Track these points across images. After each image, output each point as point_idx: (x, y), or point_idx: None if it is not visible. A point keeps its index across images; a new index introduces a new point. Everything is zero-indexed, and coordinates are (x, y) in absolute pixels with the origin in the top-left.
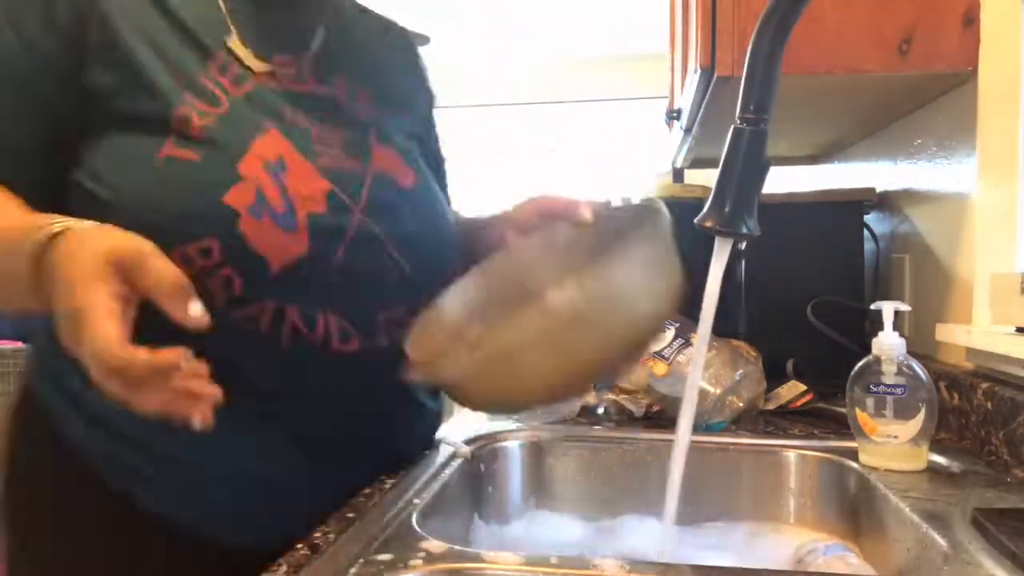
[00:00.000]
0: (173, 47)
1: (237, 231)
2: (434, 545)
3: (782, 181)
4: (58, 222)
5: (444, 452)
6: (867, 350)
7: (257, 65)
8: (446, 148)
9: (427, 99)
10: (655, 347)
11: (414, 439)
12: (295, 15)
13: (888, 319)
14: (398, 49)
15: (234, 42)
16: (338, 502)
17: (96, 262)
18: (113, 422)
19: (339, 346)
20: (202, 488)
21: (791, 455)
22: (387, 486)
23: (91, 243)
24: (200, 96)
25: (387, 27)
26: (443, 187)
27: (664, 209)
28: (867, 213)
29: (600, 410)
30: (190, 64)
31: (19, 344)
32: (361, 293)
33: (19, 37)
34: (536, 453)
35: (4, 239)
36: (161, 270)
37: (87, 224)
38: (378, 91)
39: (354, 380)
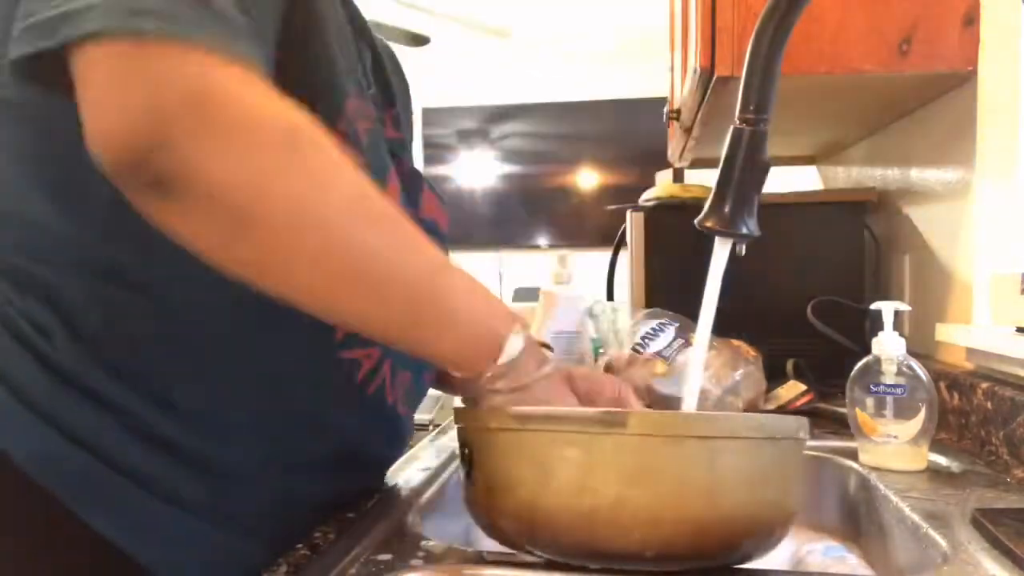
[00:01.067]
0: (345, 53)
1: None
2: (434, 545)
3: (782, 181)
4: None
5: (444, 452)
6: (867, 350)
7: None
8: (446, 147)
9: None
10: (655, 348)
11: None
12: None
13: (888, 319)
14: (395, 59)
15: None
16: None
17: None
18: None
19: (403, 411)
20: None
21: None
22: (387, 486)
23: None
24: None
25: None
26: None
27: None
28: (867, 213)
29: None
30: (348, 84)
31: None
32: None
33: None
34: None
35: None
36: None
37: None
38: (408, 121)
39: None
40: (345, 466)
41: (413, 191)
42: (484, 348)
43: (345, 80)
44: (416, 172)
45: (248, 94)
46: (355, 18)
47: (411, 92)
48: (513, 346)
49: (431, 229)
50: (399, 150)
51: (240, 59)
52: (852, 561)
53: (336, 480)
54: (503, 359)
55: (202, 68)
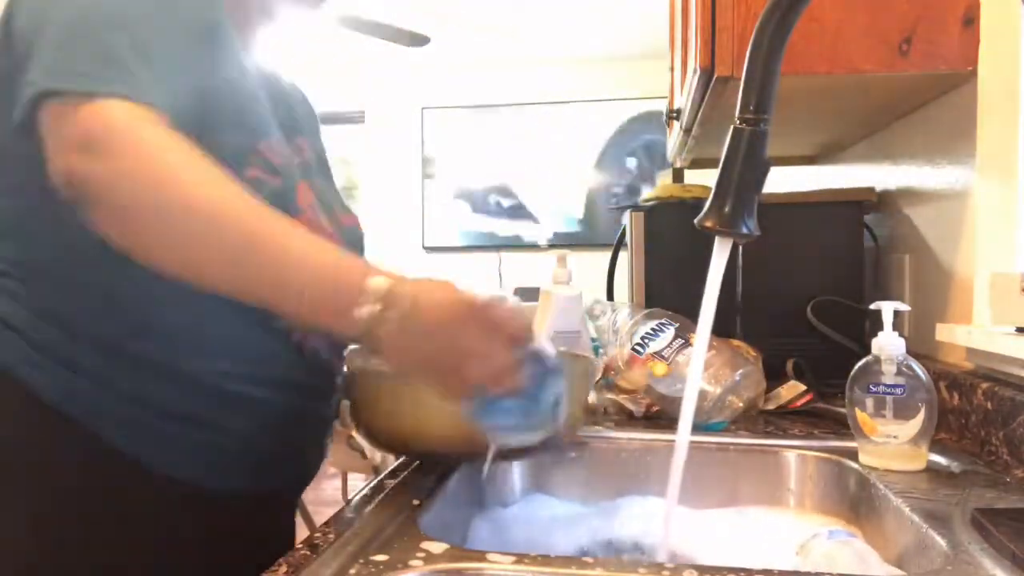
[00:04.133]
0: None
1: None
2: (434, 545)
3: (782, 181)
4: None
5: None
6: (867, 350)
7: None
8: (446, 146)
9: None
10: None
11: None
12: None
13: (888, 319)
14: (292, 87)
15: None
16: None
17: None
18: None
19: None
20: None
21: (791, 455)
22: (387, 486)
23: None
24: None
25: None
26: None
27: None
28: (867, 213)
29: (600, 410)
30: (260, 130)
31: None
32: None
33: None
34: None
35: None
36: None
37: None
38: (311, 135)
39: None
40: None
41: (326, 203)
42: (337, 294)
43: (256, 126)
44: (331, 189)
45: (136, 131)
46: (265, 74)
47: (317, 121)
48: (376, 287)
49: (348, 235)
50: (308, 172)
51: (138, 105)
52: (858, 544)
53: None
54: (366, 308)
55: (104, 118)
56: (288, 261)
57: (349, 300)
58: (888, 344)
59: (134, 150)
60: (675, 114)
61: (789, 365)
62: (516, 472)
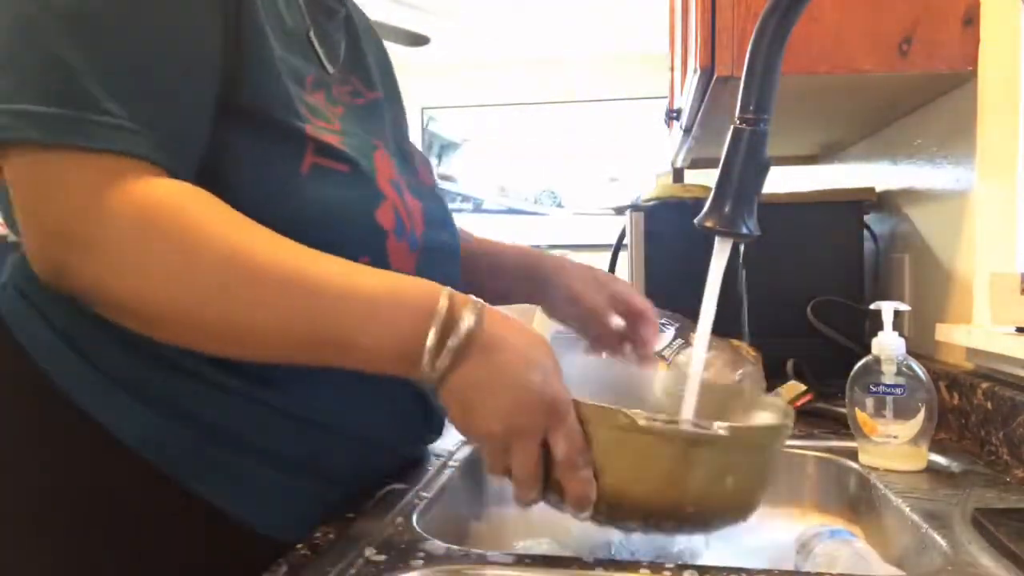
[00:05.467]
0: (286, 42)
1: (385, 251)
2: (434, 545)
3: (782, 181)
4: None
5: (444, 453)
6: (867, 350)
7: (330, 69)
8: (447, 145)
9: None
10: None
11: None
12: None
13: (888, 319)
14: (367, 25)
15: (316, 45)
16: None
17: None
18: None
19: None
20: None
21: (791, 455)
22: (387, 486)
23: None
24: (313, 112)
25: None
26: None
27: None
28: (867, 213)
29: None
30: (302, 67)
31: None
32: None
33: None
34: None
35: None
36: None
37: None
38: (385, 82)
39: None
40: (416, 416)
41: (406, 161)
42: (402, 349)
43: (295, 83)
44: (398, 130)
45: (127, 203)
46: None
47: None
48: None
49: (429, 195)
50: (366, 115)
51: (122, 160)
52: (858, 544)
53: (407, 429)
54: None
55: (83, 189)
56: (355, 342)
57: (413, 332)
58: (888, 344)
59: (119, 241)
60: (675, 114)
61: (789, 365)
62: None
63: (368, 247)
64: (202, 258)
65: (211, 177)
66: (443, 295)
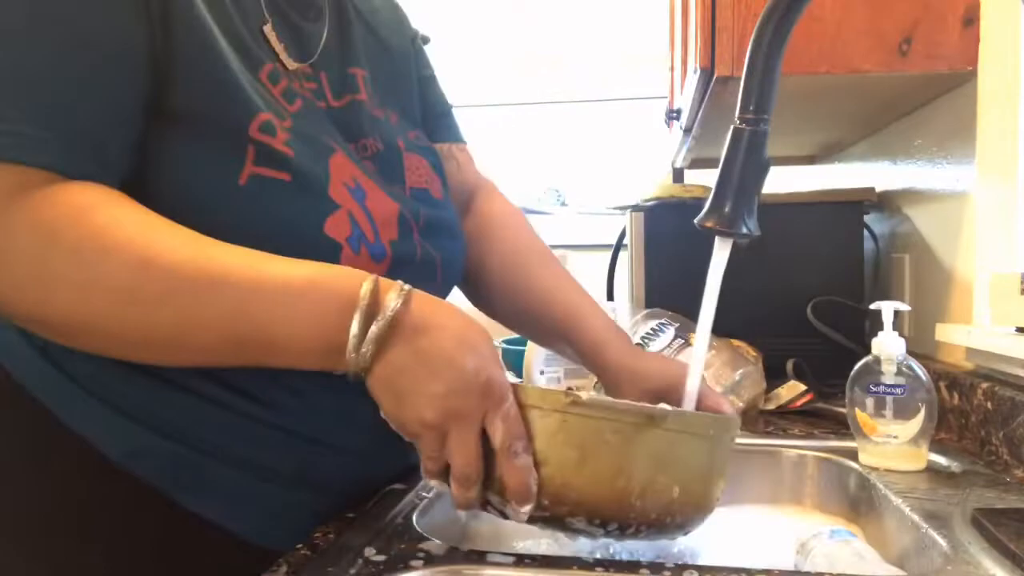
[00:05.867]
0: (236, 34)
1: (338, 264)
2: (434, 545)
3: (782, 181)
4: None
5: None
6: (867, 350)
7: (291, 64)
8: None
9: (416, 49)
10: (655, 348)
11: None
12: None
13: (888, 319)
14: (385, 18)
15: (272, 40)
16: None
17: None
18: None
19: None
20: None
21: (791, 455)
22: (387, 487)
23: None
24: (264, 102)
25: None
26: (456, 133)
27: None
28: (867, 213)
29: None
30: (254, 59)
31: None
32: None
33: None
34: None
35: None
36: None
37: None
38: (386, 75)
39: None
40: None
41: (389, 154)
42: (328, 341)
43: (247, 74)
44: (389, 131)
45: (25, 214)
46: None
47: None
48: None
49: (421, 198)
50: (338, 116)
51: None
52: (858, 544)
53: (396, 439)
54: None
55: None
56: (274, 341)
57: (337, 322)
58: (888, 344)
59: (15, 253)
60: (675, 114)
61: (789, 365)
62: None
63: (314, 261)
64: (106, 265)
65: (139, 185)
66: (367, 281)
